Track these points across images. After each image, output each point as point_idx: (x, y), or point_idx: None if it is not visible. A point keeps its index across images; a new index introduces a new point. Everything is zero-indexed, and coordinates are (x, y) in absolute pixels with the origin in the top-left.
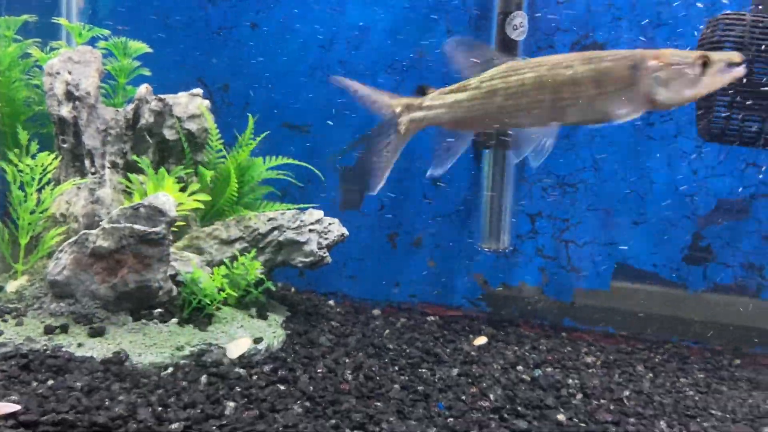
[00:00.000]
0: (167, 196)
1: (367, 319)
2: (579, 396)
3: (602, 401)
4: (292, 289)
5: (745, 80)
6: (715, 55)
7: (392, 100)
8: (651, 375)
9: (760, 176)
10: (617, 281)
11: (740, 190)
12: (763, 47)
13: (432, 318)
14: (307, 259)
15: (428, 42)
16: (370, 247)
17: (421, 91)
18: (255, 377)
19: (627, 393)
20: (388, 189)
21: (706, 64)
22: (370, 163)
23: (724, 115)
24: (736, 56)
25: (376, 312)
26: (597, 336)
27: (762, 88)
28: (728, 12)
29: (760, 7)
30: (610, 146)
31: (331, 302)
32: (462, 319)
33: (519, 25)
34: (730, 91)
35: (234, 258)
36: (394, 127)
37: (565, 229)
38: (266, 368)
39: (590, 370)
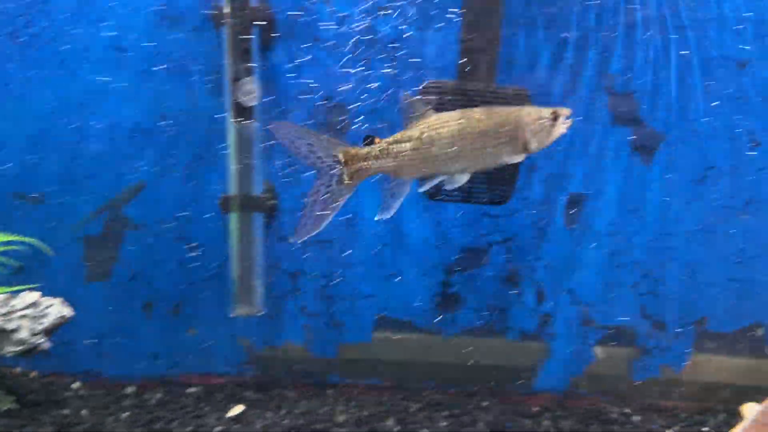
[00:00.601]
0: None
1: (114, 401)
2: None
3: None
4: (32, 374)
5: None
6: (560, 110)
7: (338, 150)
8: (398, 429)
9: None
10: (378, 332)
11: (479, 238)
12: None
13: (193, 389)
14: (18, 348)
15: (170, 105)
16: (124, 320)
17: (369, 140)
18: None
19: None
20: (142, 256)
21: (556, 117)
22: (308, 211)
23: None
24: (567, 111)
25: (130, 390)
26: (362, 389)
27: None
28: (433, 80)
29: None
30: (363, 201)
31: (77, 384)
32: (226, 386)
33: (249, 91)
34: None
35: None
36: (338, 177)
37: (326, 286)
38: None
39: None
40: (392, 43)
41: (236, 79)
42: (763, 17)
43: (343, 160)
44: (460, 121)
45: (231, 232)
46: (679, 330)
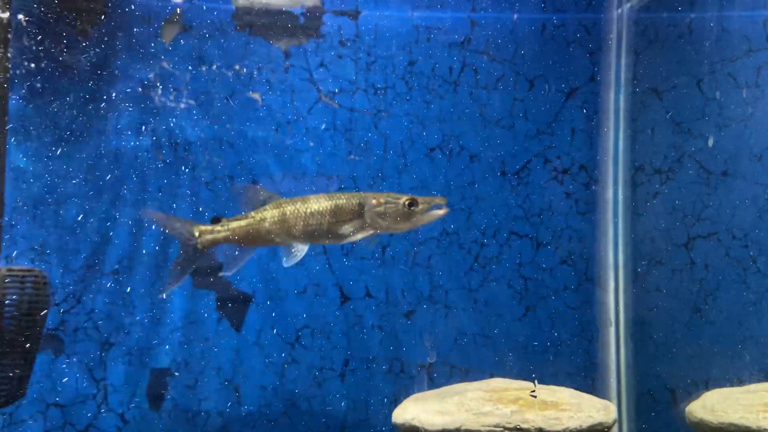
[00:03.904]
0: None
1: None
2: None
3: None
4: None
5: None
6: (420, 198)
7: (192, 227)
8: None
9: None
10: None
11: None
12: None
13: None
14: None
15: None
16: None
17: (216, 220)
18: None
19: None
20: None
21: (412, 204)
22: (173, 270)
23: None
24: (439, 199)
25: None
26: None
27: None
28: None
29: None
30: None
31: None
32: None
33: None
34: None
35: None
36: (192, 245)
37: None
38: None
39: None
40: None
41: None
42: None
43: (197, 234)
44: (296, 204)
45: None
46: None
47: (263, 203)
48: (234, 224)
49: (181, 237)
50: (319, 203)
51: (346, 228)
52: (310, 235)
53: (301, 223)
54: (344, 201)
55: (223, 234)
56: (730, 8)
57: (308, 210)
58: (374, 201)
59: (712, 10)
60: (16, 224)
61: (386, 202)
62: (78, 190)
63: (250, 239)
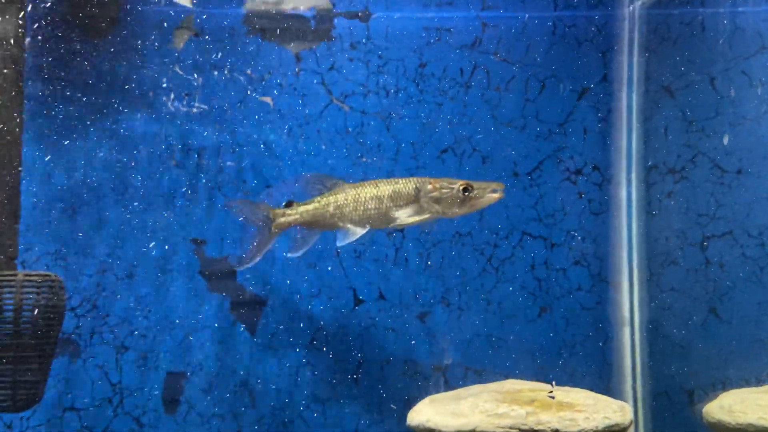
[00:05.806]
0: None
1: None
2: None
3: None
4: None
5: None
6: (475, 184)
7: (268, 210)
8: None
9: None
10: None
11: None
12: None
13: None
14: None
15: None
16: None
17: (289, 204)
18: None
19: None
20: None
21: (467, 190)
22: (248, 249)
23: None
24: (496, 185)
25: None
26: None
27: None
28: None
29: None
30: None
31: None
32: None
33: None
34: None
35: None
36: (268, 227)
37: None
38: None
39: None
40: None
41: None
42: None
43: (271, 217)
44: (357, 189)
45: None
46: None
47: (330, 189)
48: (302, 208)
49: (258, 220)
50: (378, 188)
51: (403, 212)
52: (369, 218)
53: (361, 207)
54: (401, 186)
55: (293, 217)
56: (743, 4)
57: (368, 195)
58: (430, 186)
59: (724, 6)
60: (32, 229)
61: (442, 187)
62: (92, 195)
63: (317, 222)
